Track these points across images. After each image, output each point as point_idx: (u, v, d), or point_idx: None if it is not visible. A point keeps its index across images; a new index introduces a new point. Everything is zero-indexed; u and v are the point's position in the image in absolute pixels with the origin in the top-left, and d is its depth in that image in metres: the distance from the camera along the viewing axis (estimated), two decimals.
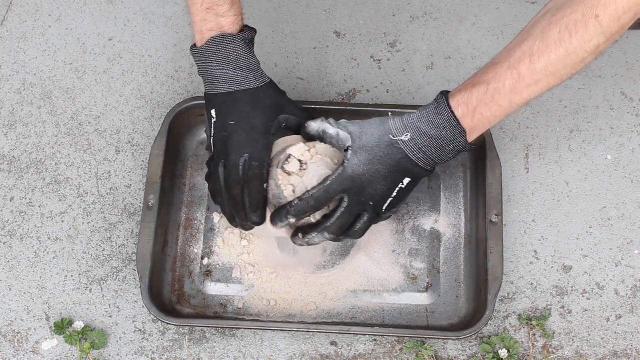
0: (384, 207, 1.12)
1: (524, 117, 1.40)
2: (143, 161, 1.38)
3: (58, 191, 1.36)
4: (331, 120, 1.14)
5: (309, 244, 1.15)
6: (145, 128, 1.40)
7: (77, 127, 1.40)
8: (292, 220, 1.12)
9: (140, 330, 1.27)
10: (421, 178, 1.12)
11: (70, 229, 1.33)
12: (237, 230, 1.31)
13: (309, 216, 1.12)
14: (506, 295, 1.30)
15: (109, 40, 1.47)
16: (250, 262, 1.30)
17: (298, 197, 1.11)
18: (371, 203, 1.10)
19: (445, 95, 1.08)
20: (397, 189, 1.10)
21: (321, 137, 1.14)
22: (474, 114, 1.06)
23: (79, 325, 1.25)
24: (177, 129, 1.34)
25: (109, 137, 1.40)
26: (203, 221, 1.33)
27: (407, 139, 1.08)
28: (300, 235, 1.14)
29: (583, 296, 1.30)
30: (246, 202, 1.14)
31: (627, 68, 1.45)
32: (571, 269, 1.32)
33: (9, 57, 1.45)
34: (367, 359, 1.26)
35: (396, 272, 1.30)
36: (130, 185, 1.36)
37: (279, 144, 1.18)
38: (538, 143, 1.39)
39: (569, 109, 1.42)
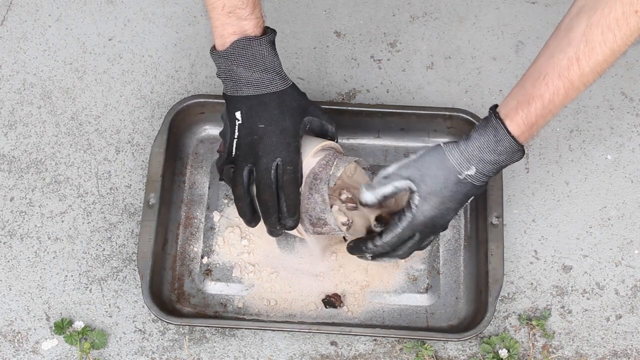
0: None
1: None
2: (143, 161, 1.38)
3: (58, 191, 1.36)
4: (380, 178, 1.13)
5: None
6: (145, 128, 1.40)
7: (77, 127, 1.40)
8: (369, 257, 1.17)
9: (140, 330, 1.27)
10: (480, 192, 1.14)
11: (70, 229, 1.33)
12: (237, 229, 1.31)
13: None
14: (506, 295, 1.30)
15: (109, 40, 1.47)
16: (251, 261, 1.30)
17: (371, 242, 1.14)
18: (441, 231, 1.15)
19: (497, 115, 1.08)
20: (462, 208, 1.14)
21: (383, 202, 1.15)
22: (531, 129, 1.07)
23: (79, 325, 1.25)
24: (177, 126, 1.34)
25: (109, 137, 1.40)
26: (203, 220, 1.33)
27: (473, 172, 1.09)
28: (368, 256, 1.17)
29: (583, 296, 1.30)
30: (282, 207, 1.13)
31: (627, 68, 1.45)
32: (571, 268, 1.32)
33: (9, 57, 1.45)
34: (367, 359, 1.26)
35: (396, 273, 1.30)
36: (130, 185, 1.36)
37: (306, 143, 1.17)
38: (538, 143, 1.39)
39: (569, 108, 1.42)
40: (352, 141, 1.38)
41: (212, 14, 1.12)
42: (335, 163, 1.15)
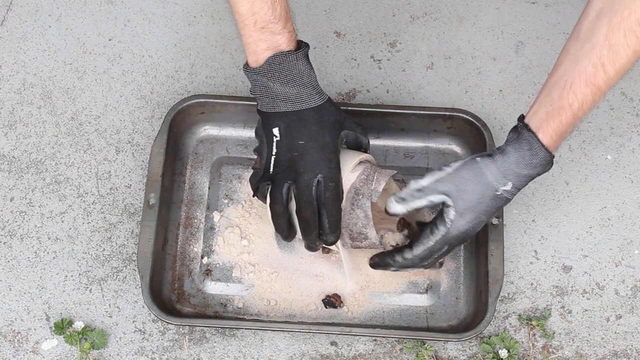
0: None
1: None
2: (143, 161, 1.38)
3: (58, 191, 1.36)
4: (412, 190, 1.12)
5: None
6: (145, 128, 1.40)
7: (77, 127, 1.40)
8: (394, 270, 1.17)
9: (140, 330, 1.27)
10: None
11: (70, 229, 1.33)
12: (237, 229, 1.31)
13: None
14: (506, 295, 1.30)
15: (109, 40, 1.47)
16: (251, 261, 1.30)
17: (400, 255, 1.14)
18: (468, 241, 1.16)
19: (530, 129, 1.07)
20: None
21: (413, 213, 1.15)
22: (561, 138, 1.08)
23: (79, 325, 1.25)
24: (177, 126, 1.34)
25: (109, 137, 1.40)
26: (203, 220, 1.33)
27: (509, 187, 1.09)
28: (394, 268, 1.17)
29: (583, 296, 1.30)
30: (323, 223, 1.12)
31: None
32: (571, 269, 1.32)
33: (9, 57, 1.45)
34: (367, 359, 1.26)
35: (396, 273, 1.29)
36: (130, 185, 1.36)
37: (344, 157, 1.17)
38: None
39: None
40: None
41: (243, 30, 1.10)
42: (375, 177, 1.15)
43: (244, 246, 1.31)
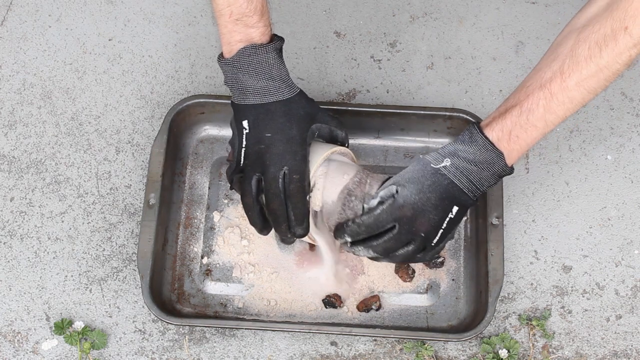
0: (434, 240, 1.11)
1: None
2: (143, 161, 1.38)
3: (58, 191, 1.36)
4: (373, 202, 1.11)
5: (353, 253, 1.15)
6: (145, 128, 1.40)
7: (77, 127, 1.40)
8: (349, 239, 1.12)
9: (140, 330, 1.27)
10: (468, 207, 1.11)
11: (70, 229, 1.33)
12: (237, 229, 1.31)
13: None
14: (506, 295, 1.30)
15: (109, 40, 1.47)
16: (251, 261, 1.30)
17: (352, 220, 1.11)
18: (422, 234, 1.09)
19: (476, 124, 1.09)
20: (447, 219, 1.10)
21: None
22: (510, 136, 1.06)
23: (79, 325, 1.25)
24: (177, 126, 1.34)
25: (109, 137, 1.40)
26: (203, 220, 1.33)
27: (448, 164, 1.08)
28: (348, 241, 1.13)
29: (583, 296, 1.30)
30: (290, 216, 1.12)
31: (627, 68, 1.45)
32: (571, 269, 1.32)
33: (9, 57, 1.45)
34: (367, 359, 1.26)
35: (396, 274, 1.29)
36: (130, 185, 1.36)
37: (316, 151, 1.17)
38: (538, 143, 1.39)
39: None
40: (352, 141, 1.38)
41: (219, 20, 1.11)
42: (368, 182, 1.15)
43: (244, 246, 1.31)
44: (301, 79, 1.44)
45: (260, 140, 1.12)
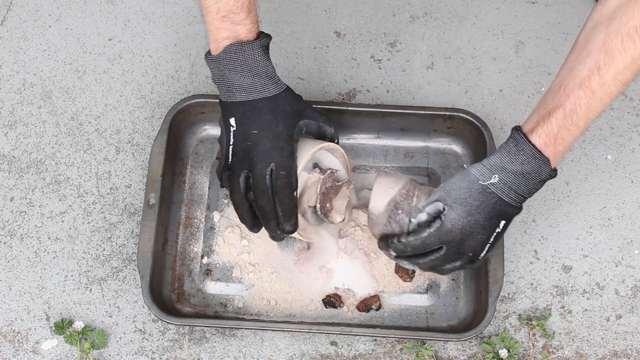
0: (482, 255, 1.12)
1: (524, 116, 1.40)
2: (143, 161, 1.38)
3: (58, 191, 1.36)
4: (422, 211, 1.11)
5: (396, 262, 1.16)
6: (145, 128, 1.40)
7: (77, 127, 1.40)
8: (393, 254, 1.14)
9: (140, 330, 1.27)
10: (514, 217, 1.11)
11: (70, 229, 1.33)
12: (237, 229, 1.31)
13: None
14: (506, 295, 1.30)
15: (109, 40, 1.47)
16: (251, 261, 1.30)
17: (397, 238, 1.12)
18: (470, 254, 1.10)
19: (520, 130, 1.07)
20: (495, 234, 1.10)
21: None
22: (555, 140, 1.06)
23: (79, 325, 1.25)
24: (177, 126, 1.34)
25: (109, 137, 1.40)
26: (203, 220, 1.33)
27: (496, 180, 1.07)
28: (392, 253, 1.14)
29: (583, 296, 1.30)
30: (278, 212, 1.13)
31: None
32: (571, 269, 1.32)
33: (9, 57, 1.45)
34: (367, 359, 1.26)
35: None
36: (130, 185, 1.36)
37: (303, 147, 1.17)
38: None
39: None
40: (352, 141, 1.38)
41: (207, 17, 1.11)
42: (416, 194, 1.14)
43: (244, 246, 1.31)
44: (301, 79, 1.44)
45: (247, 137, 1.12)
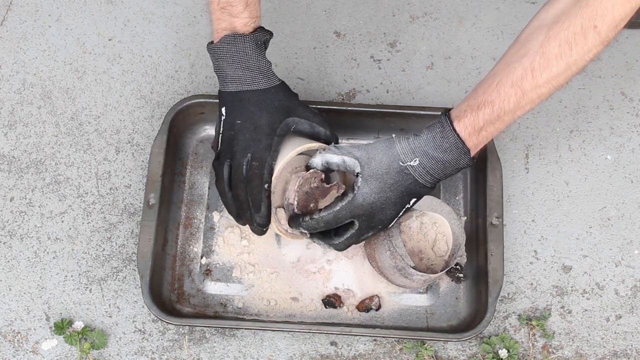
0: (389, 226, 1.15)
1: (524, 117, 1.40)
2: (143, 161, 1.38)
3: (58, 191, 1.36)
4: (332, 147, 1.15)
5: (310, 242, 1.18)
6: (145, 128, 1.40)
7: (77, 127, 1.40)
8: (305, 232, 1.16)
9: (140, 330, 1.27)
10: (424, 195, 1.13)
11: (70, 229, 1.33)
12: (237, 229, 1.31)
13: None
14: (506, 295, 1.30)
15: (109, 40, 1.47)
16: (251, 261, 1.30)
17: (309, 215, 1.14)
18: (380, 227, 1.14)
19: (448, 117, 1.08)
20: (404, 209, 1.13)
21: (327, 168, 1.16)
22: (479, 133, 1.07)
23: (78, 325, 1.25)
24: (177, 126, 1.34)
25: (109, 137, 1.40)
26: (203, 220, 1.33)
27: (415, 164, 1.09)
28: (306, 233, 1.17)
29: (583, 296, 1.30)
30: (249, 203, 1.14)
31: (627, 68, 1.45)
32: (571, 269, 1.32)
33: (9, 57, 1.45)
34: (367, 359, 1.26)
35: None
36: (130, 185, 1.36)
37: (288, 145, 1.18)
38: (538, 143, 1.39)
39: (569, 109, 1.42)
40: (352, 141, 1.38)
41: (210, 7, 1.14)
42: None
43: (244, 246, 1.31)
44: (301, 79, 1.44)
45: (232, 126, 1.15)
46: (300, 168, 1.20)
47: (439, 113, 1.32)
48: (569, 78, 1.03)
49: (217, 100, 1.33)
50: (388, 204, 1.11)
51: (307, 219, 1.14)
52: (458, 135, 1.07)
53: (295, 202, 1.18)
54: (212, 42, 1.16)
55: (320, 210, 1.13)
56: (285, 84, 1.18)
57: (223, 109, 1.16)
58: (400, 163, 1.09)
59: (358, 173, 1.10)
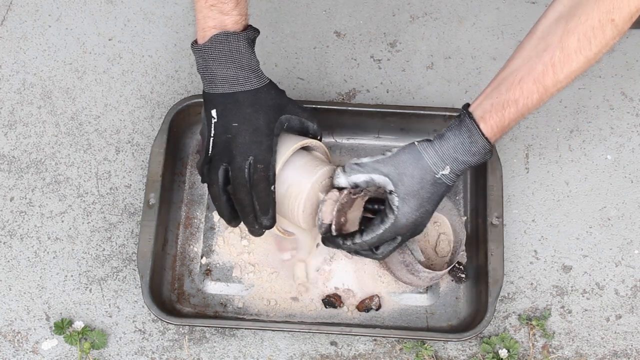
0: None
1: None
2: (143, 161, 1.38)
3: (58, 191, 1.36)
4: (353, 165, 1.13)
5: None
6: (145, 128, 1.40)
7: (77, 127, 1.40)
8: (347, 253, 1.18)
9: (140, 330, 1.27)
10: None
11: (70, 229, 1.33)
12: (237, 230, 1.31)
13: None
14: (506, 295, 1.30)
15: (109, 40, 1.47)
16: (251, 261, 1.30)
17: (350, 239, 1.14)
18: (417, 235, 1.15)
19: (472, 118, 1.08)
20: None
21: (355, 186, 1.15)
22: (503, 131, 1.08)
23: (78, 325, 1.25)
24: (177, 126, 1.34)
25: (109, 137, 1.40)
26: (203, 220, 1.33)
27: (447, 172, 1.09)
28: (348, 252, 1.18)
29: (583, 296, 1.30)
30: (255, 206, 1.12)
31: (627, 68, 1.45)
32: (571, 268, 1.32)
33: (9, 57, 1.45)
34: (367, 359, 1.26)
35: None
36: (130, 185, 1.36)
37: (281, 143, 1.17)
38: (538, 143, 1.39)
39: (569, 109, 1.42)
40: (352, 141, 1.38)
41: (196, 5, 1.11)
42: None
43: (244, 246, 1.31)
44: (301, 79, 1.44)
45: (227, 129, 1.12)
46: (325, 183, 1.18)
47: (440, 113, 1.34)
48: (584, 70, 1.03)
49: None
50: (427, 215, 1.11)
51: (348, 242, 1.14)
52: (487, 138, 1.07)
53: (333, 225, 1.16)
54: (195, 42, 1.13)
55: (362, 232, 1.12)
56: (273, 82, 1.16)
57: (214, 112, 1.12)
58: (434, 175, 1.09)
59: (391, 191, 1.09)
